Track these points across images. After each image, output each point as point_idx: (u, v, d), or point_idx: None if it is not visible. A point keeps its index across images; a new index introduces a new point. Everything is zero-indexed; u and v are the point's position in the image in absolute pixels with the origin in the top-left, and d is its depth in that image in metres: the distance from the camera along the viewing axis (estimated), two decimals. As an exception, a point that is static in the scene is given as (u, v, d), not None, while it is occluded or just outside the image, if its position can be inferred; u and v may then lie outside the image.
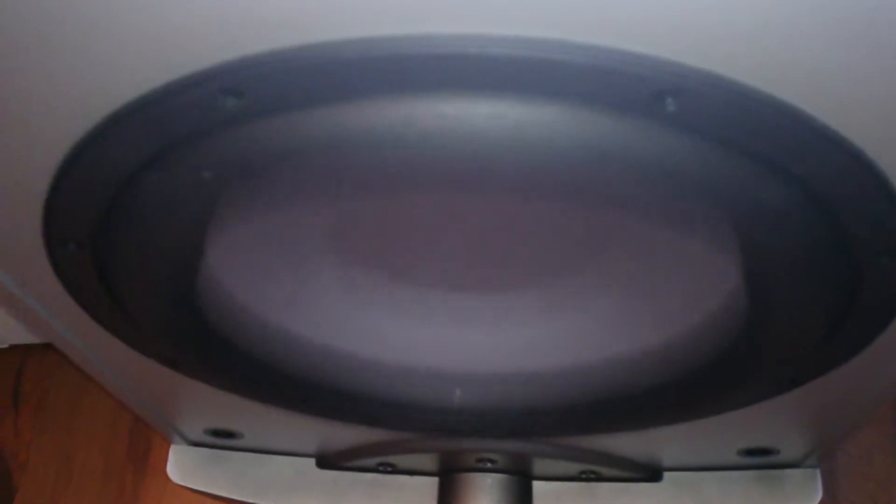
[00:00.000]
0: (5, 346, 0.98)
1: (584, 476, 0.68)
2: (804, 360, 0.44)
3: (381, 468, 0.70)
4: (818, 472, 0.62)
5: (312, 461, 0.71)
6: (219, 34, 0.27)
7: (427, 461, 0.68)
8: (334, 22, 0.27)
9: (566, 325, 0.49)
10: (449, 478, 0.69)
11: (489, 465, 0.66)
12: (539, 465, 0.67)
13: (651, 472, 0.67)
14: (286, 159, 0.30)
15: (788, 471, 0.63)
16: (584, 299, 0.46)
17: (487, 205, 0.36)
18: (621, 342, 0.48)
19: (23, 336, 0.93)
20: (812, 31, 0.25)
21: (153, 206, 0.34)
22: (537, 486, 0.69)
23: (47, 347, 0.95)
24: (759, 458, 0.62)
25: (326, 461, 0.71)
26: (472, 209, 0.37)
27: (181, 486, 0.73)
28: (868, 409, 0.49)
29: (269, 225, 0.39)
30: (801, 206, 0.31)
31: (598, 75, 0.26)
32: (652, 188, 0.30)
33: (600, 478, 0.68)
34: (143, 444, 0.94)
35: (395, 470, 0.70)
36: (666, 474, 0.67)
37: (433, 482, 0.70)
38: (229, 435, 0.68)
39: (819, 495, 0.62)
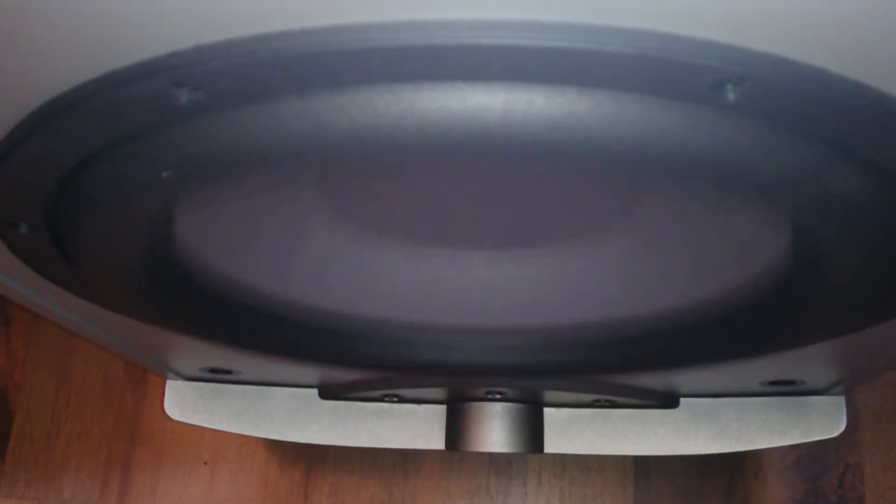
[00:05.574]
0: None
1: (597, 404, 0.65)
2: (853, 316, 0.40)
3: (386, 399, 0.68)
4: (843, 401, 0.59)
5: (315, 392, 0.69)
6: (171, 21, 0.22)
7: (434, 392, 0.66)
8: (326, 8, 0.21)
9: (584, 277, 0.44)
10: (457, 406, 0.66)
11: (498, 396, 0.64)
12: (551, 395, 0.65)
13: (667, 399, 0.64)
14: (257, 157, 0.25)
15: (812, 398, 0.60)
16: (605, 255, 0.41)
17: (498, 182, 0.31)
18: (647, 298, 0.44)
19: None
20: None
21: (109, 199, 0.29)
22: (548, 412, 0.67)
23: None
24: (783, 387, 0.59)
25: (329, 392, 0.68)
26: (480, 184, 0.32)
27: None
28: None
29: (248, 200, 0.34)
30: (877, 192, 0.26)
31: (645, 66, 0.21)
32: (705, 181, 0.25)
33: (614, 405, 0.65)
34: (140, 362, 0.92)
35: (402, 399, 0.68)
36: (683, 400, 0.64)
37: (441, 409, 0.68)
38: (227, 372, 0.65)
39: (843, 425, 0.59)
